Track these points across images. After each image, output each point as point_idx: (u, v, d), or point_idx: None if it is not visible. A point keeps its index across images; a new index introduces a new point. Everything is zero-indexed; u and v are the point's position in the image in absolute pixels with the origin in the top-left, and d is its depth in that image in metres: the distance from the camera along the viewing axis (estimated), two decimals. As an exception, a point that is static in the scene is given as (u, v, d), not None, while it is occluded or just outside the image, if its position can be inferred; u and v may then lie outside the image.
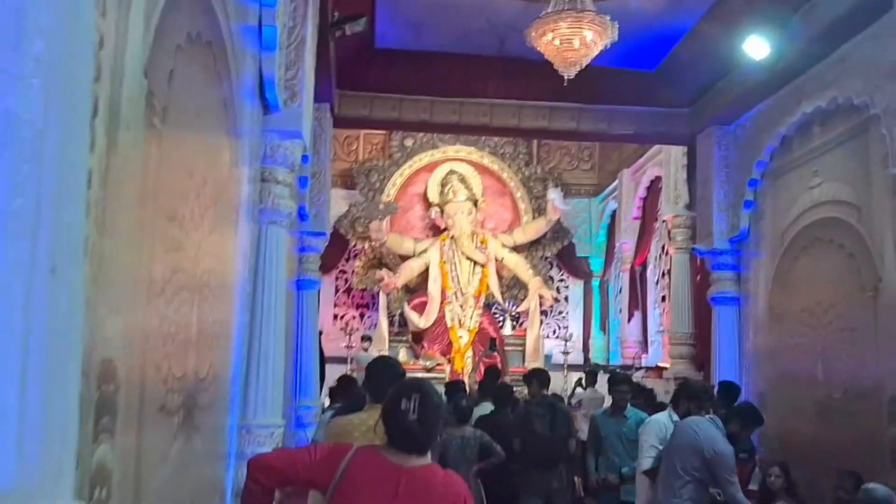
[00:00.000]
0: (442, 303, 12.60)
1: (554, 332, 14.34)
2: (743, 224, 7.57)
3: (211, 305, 3.21)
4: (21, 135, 1.25)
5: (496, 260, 12.96)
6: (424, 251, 12.91)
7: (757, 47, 6.52)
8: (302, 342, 7.61)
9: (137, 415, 2.22)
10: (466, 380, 10.81)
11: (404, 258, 12.95)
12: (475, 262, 12.85)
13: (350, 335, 12.23)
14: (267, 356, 4.34)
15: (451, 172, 13.18)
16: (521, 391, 9.38)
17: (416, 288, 13.08)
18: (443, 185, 13.11)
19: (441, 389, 7.87)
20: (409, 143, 13.50)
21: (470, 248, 12.79)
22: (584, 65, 6.03)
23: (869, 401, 5.56)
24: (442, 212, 12.93)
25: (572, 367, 12.73)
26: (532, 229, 13.31)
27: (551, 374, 7.66)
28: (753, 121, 7.48)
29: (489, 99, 8.35)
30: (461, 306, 12.66)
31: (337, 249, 12.86)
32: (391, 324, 12.79)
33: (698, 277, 9.57)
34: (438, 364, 11.98)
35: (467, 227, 12.80)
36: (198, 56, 2.90)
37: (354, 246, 13.42)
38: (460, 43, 7.95)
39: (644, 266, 12.36)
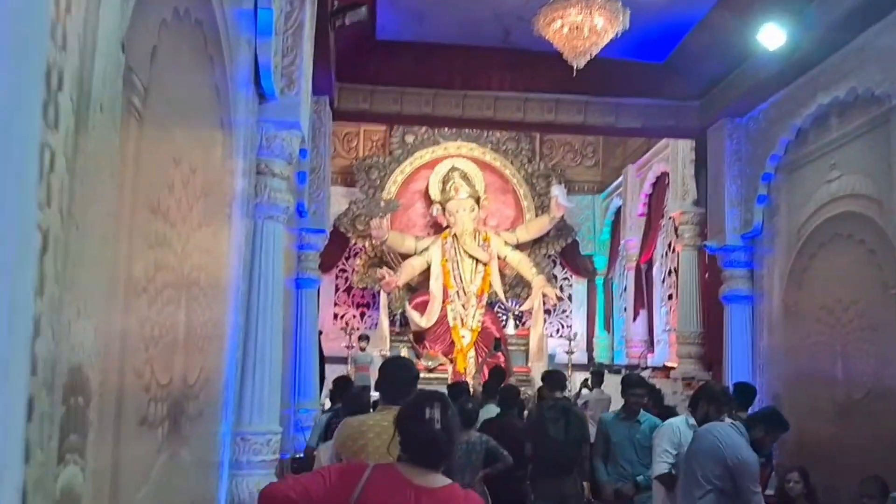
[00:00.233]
0: (444, 302, 12.40)
1: (557, 331, 14.18)
2: (756, 220, 7.33)
3: (201, 305, 2.97)
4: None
5: (499, 258, 12.76)
6: (426, 249, 12.71)
7: (772, 36, 6.28)
8: (301, 342, 7.39)
9: (114, 429, 1.99)
10: (470, 381, 10.58)
11: (405, 256, 12.75)
12: (477, 261, 12.66)
13: (350, 335, 12.04)
14: (263, 359, 4.10)
15: (453, 169, 12.99)
16: (525, 392, 9.23)
17: (418, 287, 12.89)
18: (444, 181, 12.91)
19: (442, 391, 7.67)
20: (410, 139, 13.31)
21: (472, 245, 12.58)
22: (593, 54, 5.80)
23: (893, 401, 5.33)
24: (444, 209, 12.73)
25: (576, 367, 12.53)
26: (535, 227, 13.11)
27: (549, 370, 7.48)
28: (767, 113, 7.24)
29: (493, 92, 8.12)
30: (463, 305, 12.46)
31: (337, 248, 12.70)
32: (392, 323, 12.60)
33: (707, 275, 9.36)
34: (440, 364, 11.79)
35: (469, 225, 12.60)
36: (186, 35, 2.66)
37: (355, 244, 13.26)
38: (464, 34, 7.72)
39: (650, 264, 12.15)
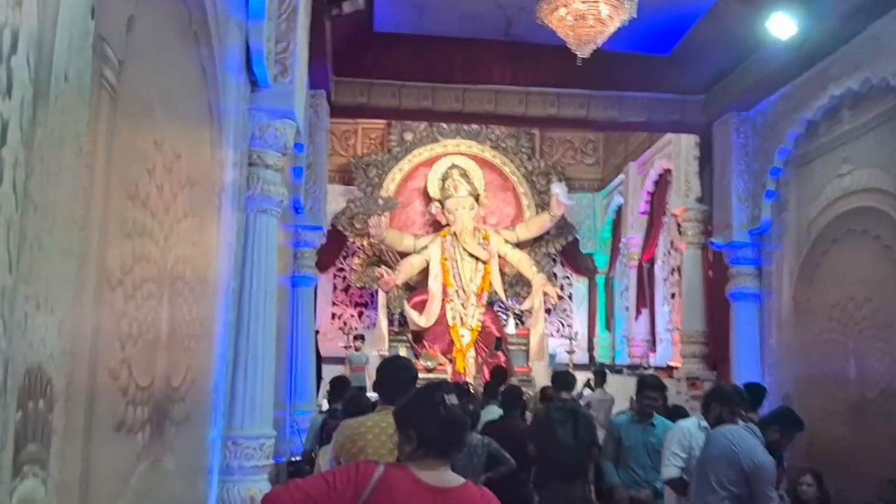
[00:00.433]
0: (443, 301, 12.20)
1: (558, 330, 13.99)
2: (764, 215, 7.16)
3: (187, 301, 2.78)
4: None
5: (499, 256, 12.56)
6: (425, 248, 12.51)
7: (782, 26, 6.09)
8: (297, 342, 7.20)
9: (84, 436, 1.79)
10: (470, 381, 10.39)
11: (404, 255, 12.55)
12: (477, 259, 12.46)
13: (348, 335, 11.85)
14: (255, 359, 3.91)
15: (452, 167, 12.78)
16: (526, 392, 9.02)
17: (417, 286, 12.70)
18: (443, 179, 12.71)
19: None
20: (408, 136, 13.11)
21: (472, 244, 12.38)
22: (598, 43, 5.62)
23: (908, 402, 5.15)
24: (443, 207, 12.53)
25: (577, 367, 12.33)
26: (535, 225, 12.91)
27: (558, 371, 7.30)
28: (775, 106, 7.05)
29: (494, 85, 7.94)
30: (463, 304, 12.26)
31: (335, 247, 12.52)
32: (391, 323, 12.40)
33: (711, 273, 9.20)
34: (440, 364, 11.58)
35: (469, 223, 12.40)
36: (167, 9, 2.48)
37: (353, 243, 13.08)
38: (464, 26, 7.53)
39: (652, 262, 11.97)
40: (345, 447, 2.87)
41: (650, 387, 5.03)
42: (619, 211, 13.23)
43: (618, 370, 11.80)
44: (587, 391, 9.71)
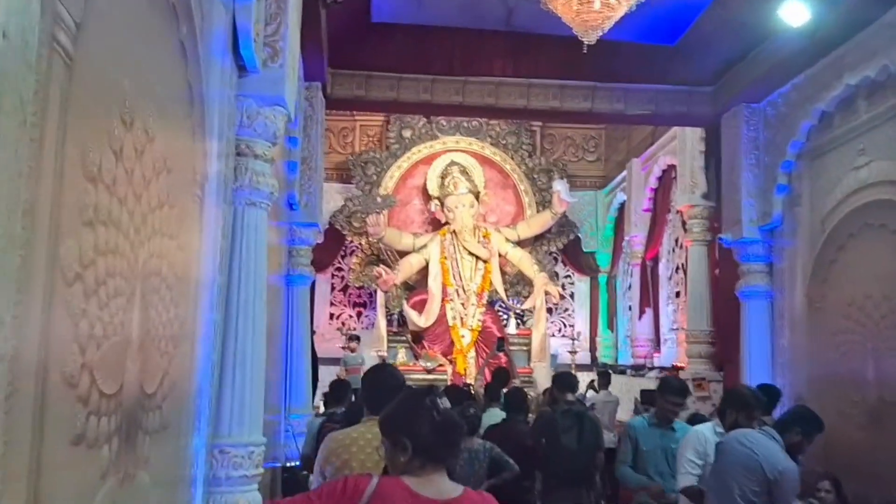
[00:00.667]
0: (443, 300, 11.95)
1: (559, 330, 13.77)
2: (776, 210, 6.92)
3: (163, 300, 2.53)
4: None
5: (499, 255, 12.31)
6: (424, 246, 12.26)
7: (795, 13, 5.86)
8: (292, 343, 6.96)
9: (31, 453, 1.55)
10: (471, 382, 10.15)
11: (403, 254, 12.31)
12: (477, 258, 12.22)
13: (346, 335, 11.61)
14: (244, 362, 3.65)
15: (452, 164, 12.54)
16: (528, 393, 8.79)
17: (416, 285, 12.46)
18: (443, 177, 12.47)
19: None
20: (407, 133, 12.88)
21: (472, 242, 12.15)
22: (605, 29, 5.37)
23: (931, 405, 4.91)
24: (442, 205, 12.29)
25: (579, 367, 12.10)
26: (537, 223, 12.67)
27: (559, 372, 7.05)
28: (787, 97, 6.81)
29: (495, 77, 7.70)
30: (463, 304, 12.01)
31: (333, 246, 12.34)
32: (390, 323, 12.16)
33: (717, 271, 8.99)
34: (440, 365, 11.34)
35: (469, 221, 12.16)
36: (138, -26, 2.23)
37: (351, 242, 12.87)
38: (464, 16, 7.29)
39: (656, 260, 11.76)
40: (329, 460, 2.79)
41: (674, 391, 4.69)
42: (621, 208, 13.04)
43: (621, 370, 11.60)
44: (591, 392, 9.46)
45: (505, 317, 12.63)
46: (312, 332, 8.40)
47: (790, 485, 3.51)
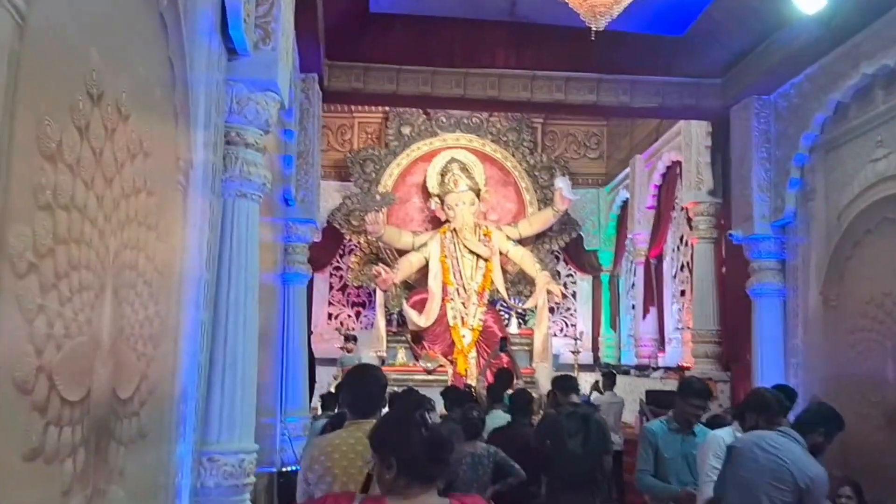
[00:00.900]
0: (443, 300, 11.73)
1: (561, 329, 13.55)
2: (788, 206, 6.68)
3: (141, 296, 2.31)
4: None
5: (500, 253, 12.08)
6: (424, 245, 12.04)
7: (810, 0, 5.62)
8: (288, 343, 6.72)
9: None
10: (473, 383, 9.92)
11: (402, 253, 12.08)
12: (478, 256, 11.99)
13: (345, 335, 11.39)
14: (234, 362, 3.43)
15: (452, 161, 12.33)
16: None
17: (416, 284, 12.24)
18: (443, 174, 12.25)
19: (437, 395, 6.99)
20: (406, 130, 12.66)
21: (472, 241, 11.92)
22: (614, 15, 5.15)
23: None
24: (442, 203, 12.07)
25: (582, 368, 11.90)
26: (538, 221, 12.44)
27: (558, 375, 6.82)
28: (800, 88, 6.57)
29: (498, 69, 7.45)
30: (464, 303, 11.79)
31: (331, 245, 12.15)
32: (389, 323, 11.94)
33: (724, 269, 8.78)
34: (440, 366, 11.13)
35: (469, 219, 11.94)
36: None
37: (349, 241, 12.67)
38: (466, 5, 7.08)
39: (660, 259, 11.54)
40: (311, 467, 2.67)
41: (697, 393, 4.36)
42: (623, 206, 12.82)
43: (625, 371, 11.39)
44: (595, 394, 9.24)
45: (506, 316, 12.41)
46: (309, 333, 8.17)
47: (821, 492, 3.28)
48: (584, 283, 13.92)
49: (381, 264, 11.79)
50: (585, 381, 10.55)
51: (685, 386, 4.50)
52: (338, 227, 12.21)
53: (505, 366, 9.62)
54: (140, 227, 2.26)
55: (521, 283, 12.52)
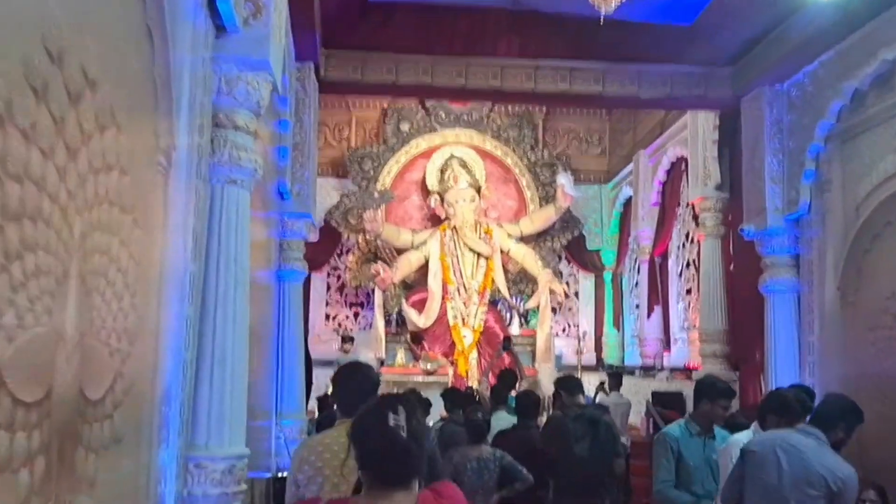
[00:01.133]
0: (443, 299, 11.48)
1: (563, 329, 13.31)
2: (803, 198, 6.45)
3: (114, 288, 2.07)
4: None
5: (502, 252, 11.84)
6: (423, 243, 11.79)
7: (826, -17, 5.42)
8: (284, 343, 6.48)
9: None
10: (475, 385, 9.68)
11: (401, 251, 11.84)
12: (479, 255, 11.75)
13: (340, 336, 11.17)
14: (223, 361, 3.20)
15: (452, 158, 12.11)
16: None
17: (415, 283, 11.99)
18: (442, 171, 12.03)
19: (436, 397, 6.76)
20: (405, 127, 12.44)
21: (473, 238, 11.68)
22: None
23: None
24: (442, 200, 11.83)
25: (585, 369, 11.67)
26: (540, 218, 12.19)
27: (562, 375, 6.60)
28: (814, 76, 6.34)
29: (500, 59, 7.24)
30: (464, 303, 11.54)
31: (329, 244, 11.91)
32: (388, 323, 11.68)
33: (731, 266, 8.57)
34: (441, 366, 10.87)
35: (470, 217, 11.69)
36: None
37: (347, 240, 12.41)
38: (467, -8, 6.81)
39: (664, 256, 11.30)
40: (301, 468, 2.61)
41: (725, 394, 4.05)
42: (627, 203, 12.59)
43: (630, 371, 11.17)
44: (601, 395, 9.01)
45: (508, 316, 12.17)
46: (306, 334, 7.93)
47: (852, 493, 3.06)
48: (586, 281, 13.69)
49: (380, 262, 11.55)
50: (589, 382, 10.33)
51: (710, 387, 4.10)
52: (335, 225, 11.96)
53: (508, 366, 9.40)
54: (112, 207, 2.02)
55: (522, 282, 12.28)
